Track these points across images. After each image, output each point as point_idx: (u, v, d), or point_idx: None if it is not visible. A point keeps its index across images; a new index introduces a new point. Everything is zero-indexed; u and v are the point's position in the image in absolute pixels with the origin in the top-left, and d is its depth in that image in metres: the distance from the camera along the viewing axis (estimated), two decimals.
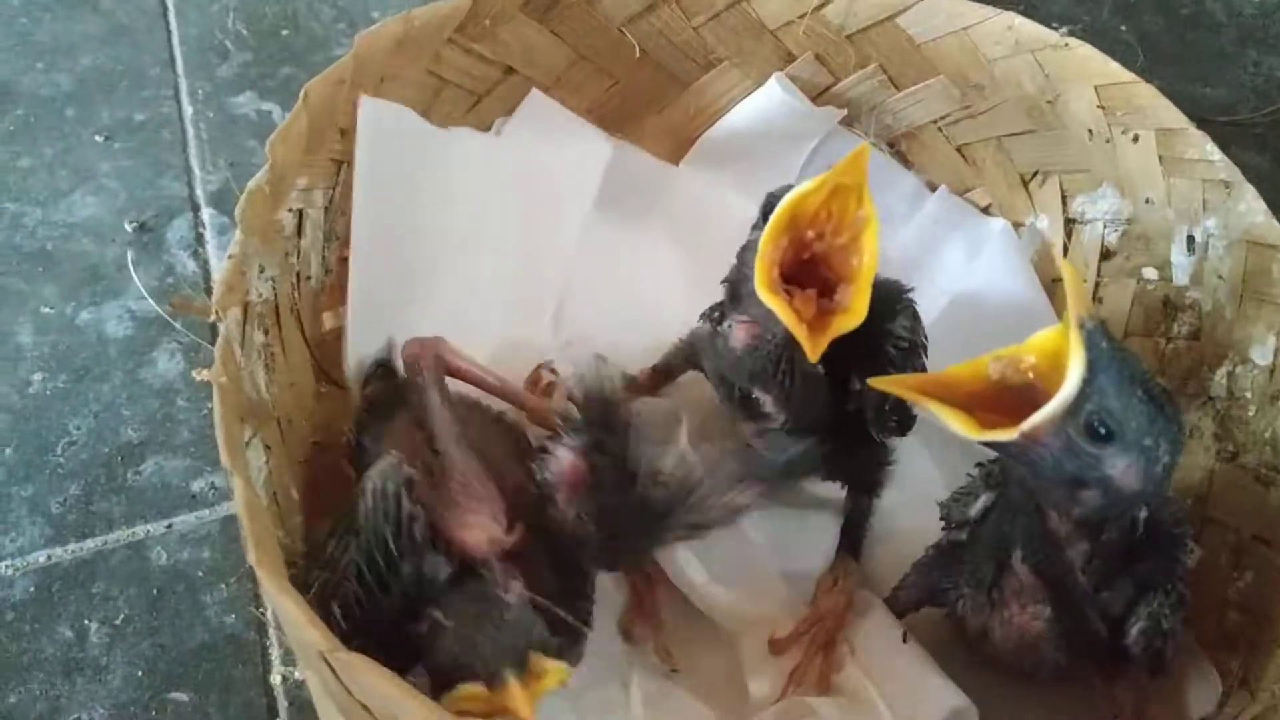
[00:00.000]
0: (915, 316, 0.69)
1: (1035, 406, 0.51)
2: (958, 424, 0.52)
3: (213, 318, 0.59)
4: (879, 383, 0.56)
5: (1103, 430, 0.51)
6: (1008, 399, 0.53)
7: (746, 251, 0.65)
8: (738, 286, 0.66)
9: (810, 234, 0.60)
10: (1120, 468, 0.52)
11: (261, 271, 0.65)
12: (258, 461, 0.61)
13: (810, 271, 0.61)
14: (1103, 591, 0.60)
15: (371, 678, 0.47)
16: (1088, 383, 0.50)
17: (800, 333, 0.58)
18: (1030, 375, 0.53)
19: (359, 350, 0.72)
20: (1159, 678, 0.63)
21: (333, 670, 0.50)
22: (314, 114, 0.68)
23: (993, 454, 0.61)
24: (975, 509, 0.64)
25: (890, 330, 0.66)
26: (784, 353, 0.63)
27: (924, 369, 0.68)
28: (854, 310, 0.59)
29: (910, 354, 0.67)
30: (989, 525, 0.63)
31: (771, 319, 0.59)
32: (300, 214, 0.69)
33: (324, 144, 0.70)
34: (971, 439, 0.52)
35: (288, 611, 0.50)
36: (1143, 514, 0.57)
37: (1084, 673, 0.65)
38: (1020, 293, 0.84)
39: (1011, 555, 0.60)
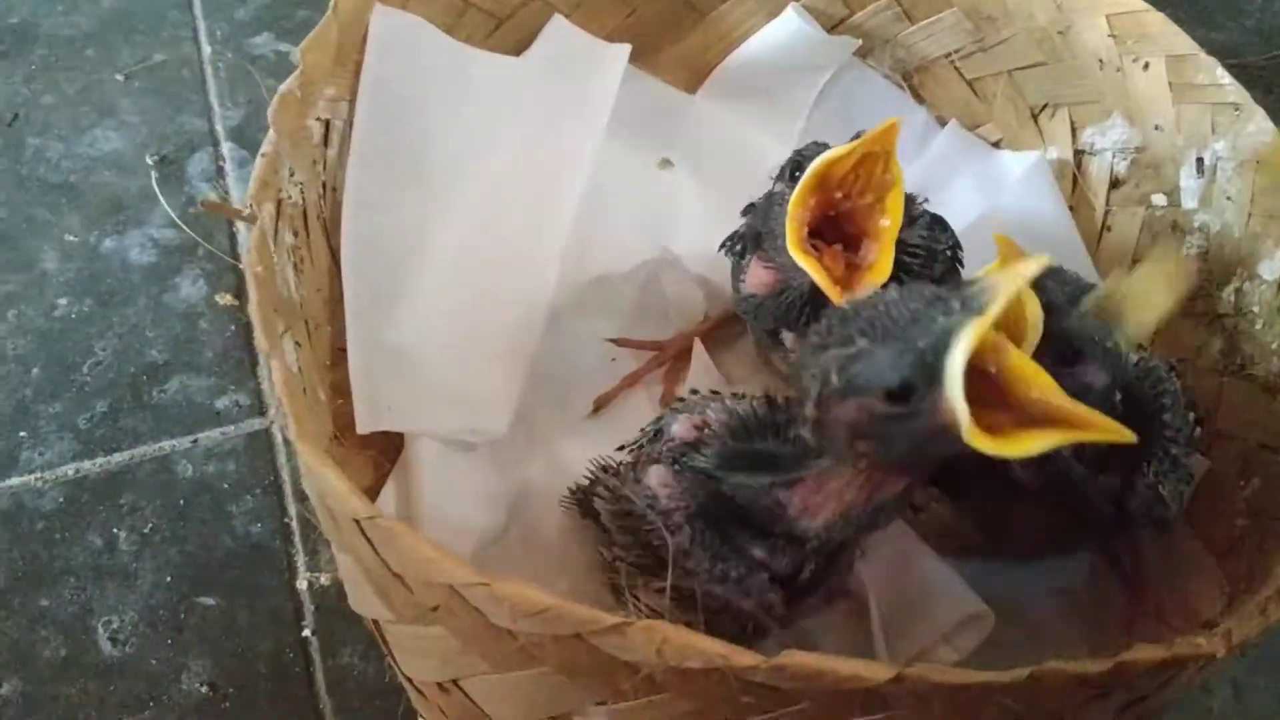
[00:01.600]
0: (933, 224, 0.70)
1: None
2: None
3: (246, 212, 0.60)
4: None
5: (1070, 352, 0.56)
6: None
7: (772, 203, 0.67)
8: (760, 231, 0.68)
9: (838, 194, 0.62)
10: (1091, 373, 0.57)
11: (292, 175, 0.66)
12: (290, 357, 0.62)
13: (834, 226, 0.63)
14: (1100, 475, 0.61)
15: (412, 541, 0.48)
16: (1045, 318, 0.53)
17: (833, 292, 0.60)
18: None
19: (356, 266, 0.69)
20: (1164, 535, 0.66)
21: (369, 541, 0.51)
22: (343, 24, 0.69)
23: None
24: None
25: (904, 240, 0.67)
26: (807, 300, 0.66)
27: (952, 273, 0.70)
28: (879, 267, 0.61)
29: (928, 261, 0.68)
30: None
31: (797, 271, 0.62)
32: (327, 124, 0.70)
33: (351, 56, 0.71)
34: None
35: (329, 483, 0.50)
36: (1117, 397, 0.59)
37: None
38: (1050, 222, 0.85)
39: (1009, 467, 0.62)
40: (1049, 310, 0.53)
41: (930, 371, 0.44)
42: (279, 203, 0.63)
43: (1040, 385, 0.47)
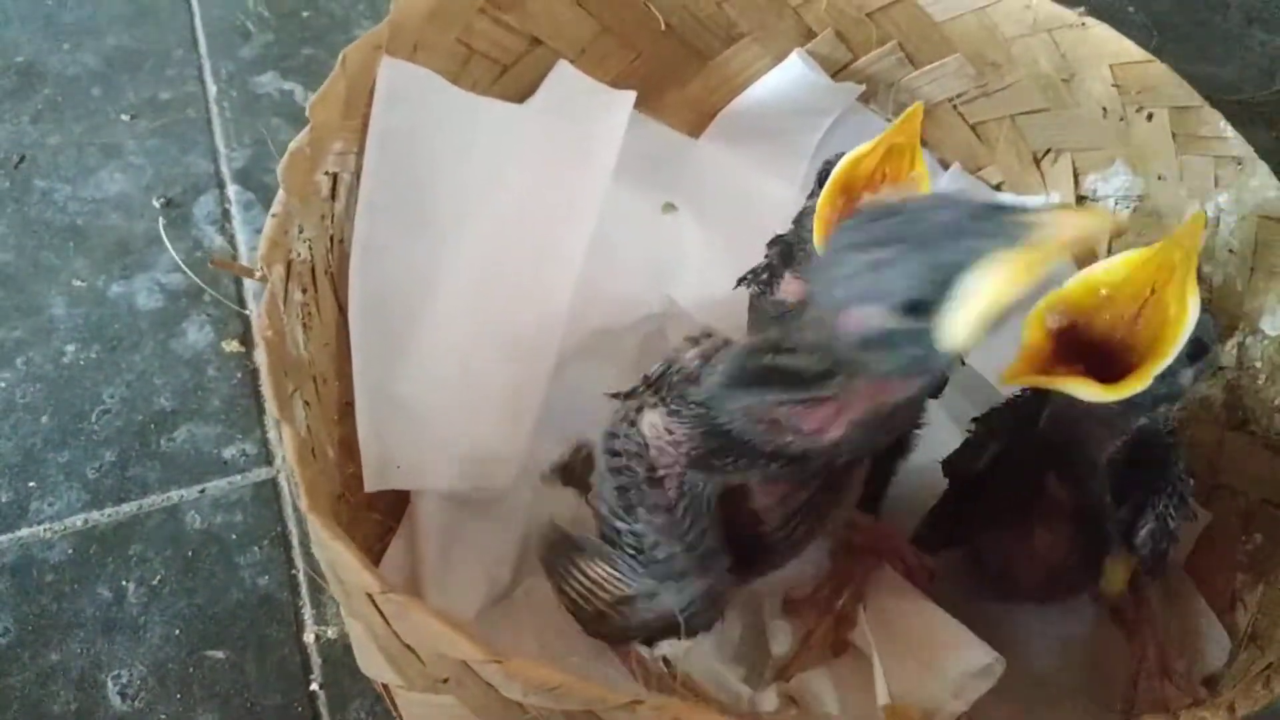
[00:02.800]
0: None
1: (1080, 342, 0.55)
2: (1093, 391, 0.53)
3: (258, 274, 0.60)
4: (1011, 377, 0.55)
5: (1194, 347, 0.54)
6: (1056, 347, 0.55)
7: (805, 216, 0.68)
8: (793, 248, 0.69)
9: (866, 195, 0.62)
10: (1189, 376, 0.56)
11: (301, 232, 0.66)
12: (299, 418, 0.62)
13: None
14: (1121, 505, 0.62)
15: (424, 616, 0.49)
16: None
17: None
18: (1072, 316, 0.56)
19: (363, 317, 0.69)
20: (1158, 578, 0.66)
21: (381, 614, 0.51)
22: (351, 78, 0.70)
23: (989, 407, 0.68)
24: (983, 462, 0.66)
25: None
26: None
27: None
28: None
29: None
30: (1001, 473, 0.65)
31: None
32: (335, 177, 0.70)
33: (359, 109, 0.71)
34: (1111, 398, 0.53)
35: (340, 556, 0.51)
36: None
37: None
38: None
39: (1044, 482, 0.63)
40: None
41: (944, 286, 0.42)
42: (289, 263, 0.63)
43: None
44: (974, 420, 0.69)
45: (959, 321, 0.42)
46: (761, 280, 0.72)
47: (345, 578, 0.52)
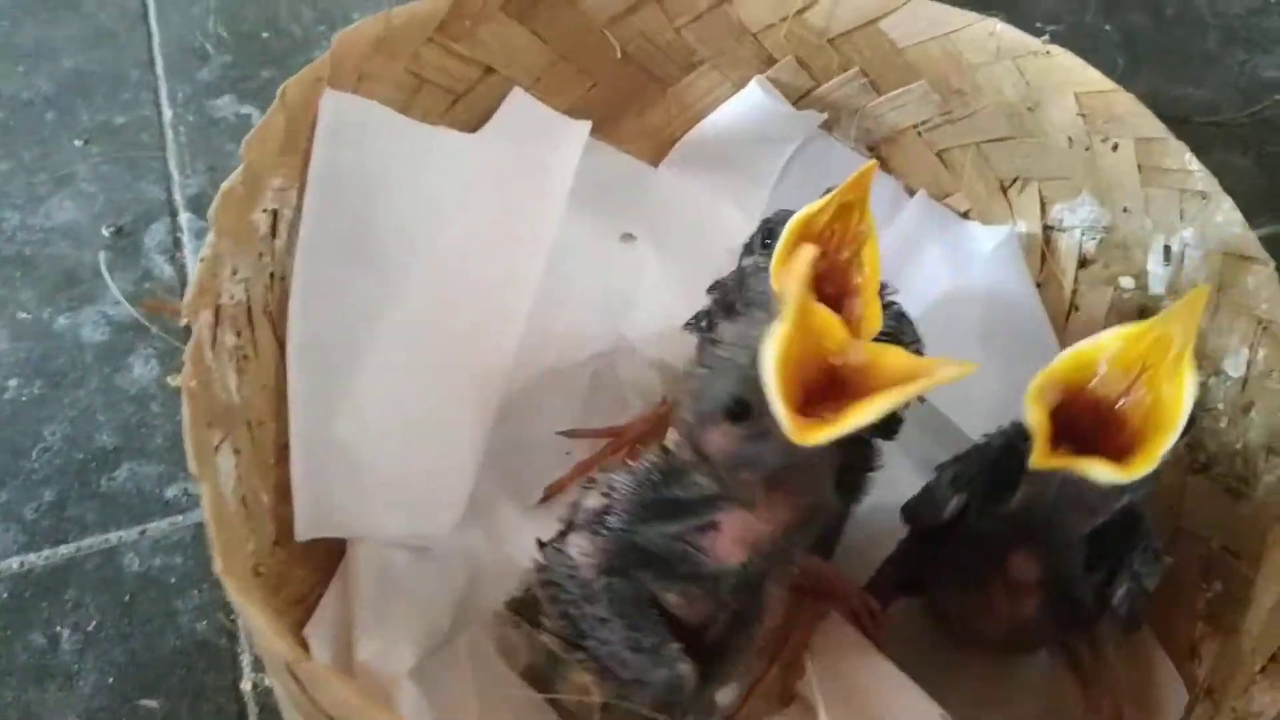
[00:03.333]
0: (899, 316, 0.69)
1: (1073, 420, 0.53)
2: (1106, 471, 0.51)
3: (183, 321, 0.58)
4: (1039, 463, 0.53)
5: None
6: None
7: (744, 274, 0.66)
8: (733, 301, 0.67)
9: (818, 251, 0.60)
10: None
11: (235, 273, 0.64)
12: (227, 466, 0.60)
13: (814, 286, 0.61)
14: (1094, 570, 0.61)
15: (336, 688, 0.47)
16: None
17: None
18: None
19: (302, 357, 0.68)
20: (1133, 634, 0.65)
21: (298, 681, 0.50)
22: (291, 113, 0.68)
23: (951, 455, 0.66)
24: (948, 511, 0.64)
25: None
26: None
27: None
28: (869, 318, 0.59)
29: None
30: (965, 525, 0.63)
31: None
32: (275, 214, 0.68)
33: (300, 144, 0.70)
34: (1126, 479, 0.51)
35: (255, 622, 0.49)
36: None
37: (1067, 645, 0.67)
38: (1017, 298, 0.84)
39: (1009, 552, 0.61)
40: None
41: (757, 386, 0.45)
42: (218, 309, 0.62)
43: (882, 358, 0.47)
44: (938, 468, 0.67)
45: (772, 404, 0.44)
46: (702, 327, 0.70)
47: (260, 643, 0.51)
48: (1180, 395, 0.51)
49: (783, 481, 0.50)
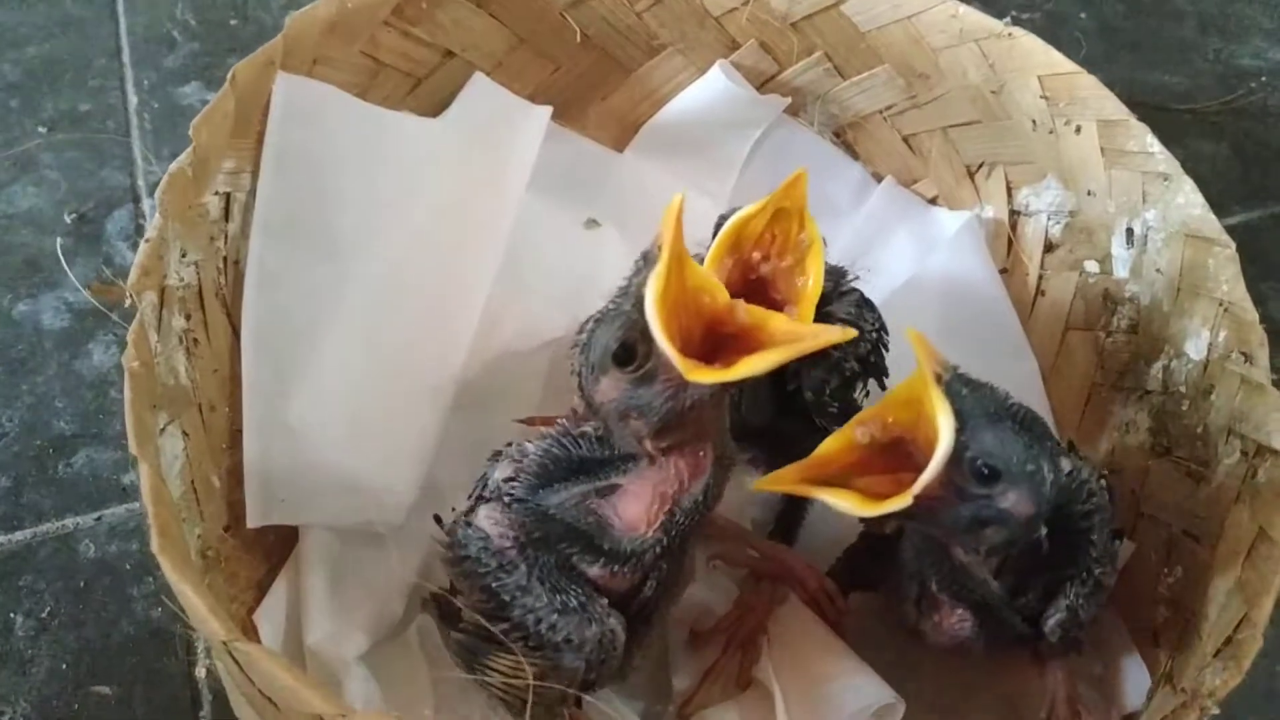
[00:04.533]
0: (861, 303, 0.68)
1: (910, 457, 0.52)
2: (849, 504, 0.51)
3: (127, 302, 0.58)
4: (762, 484, 0.54)
5: (986, 470, 0.52)
6: (881, 459, 0.53)
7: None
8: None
9: (756, 255, 0.60)
10: (1012, 499, 0.52)
11: (184, 256, 0.64)
12: (174, 449, 0.60)
13: (757, 292, 0.60)
14: (1019, 597, 0.60)
15: (270, 667, 0.47)
16: (960, 431, 0.50)
17: None
18: (896, 430, 0.53)
19: (256, 342, 0.67)
20: (1074, 656, 0.64)
21: (236, 661, 0.50)
22: (242, 96, 0.67)
23: None
24: (890, 527, 0.62)
25: (831, 313, 0.66)
26: None
27: (873, 355, 0.69)
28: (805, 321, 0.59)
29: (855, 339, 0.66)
30: (906, 545, 0.62)
31: None
32: (228, 198, 0.68)
33: (252, 127, 0.69)
34: (869, 514, 0.51)
35: (189, 601, 0.49)
36: (1043, 532, 0.56)
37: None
38: (979, 283, 0.83)
39: (928, 582, 0.61)
40: (963, 423, 0.51)
41: (642, 328, 0.48)
42: (163, 289, 0.61)
43: (766, 319, 0.49)
44: None
45: (655, 339, 0.47)
46: None
47: (196, 623, 0.50)
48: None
49: (673, 429, 0.51)
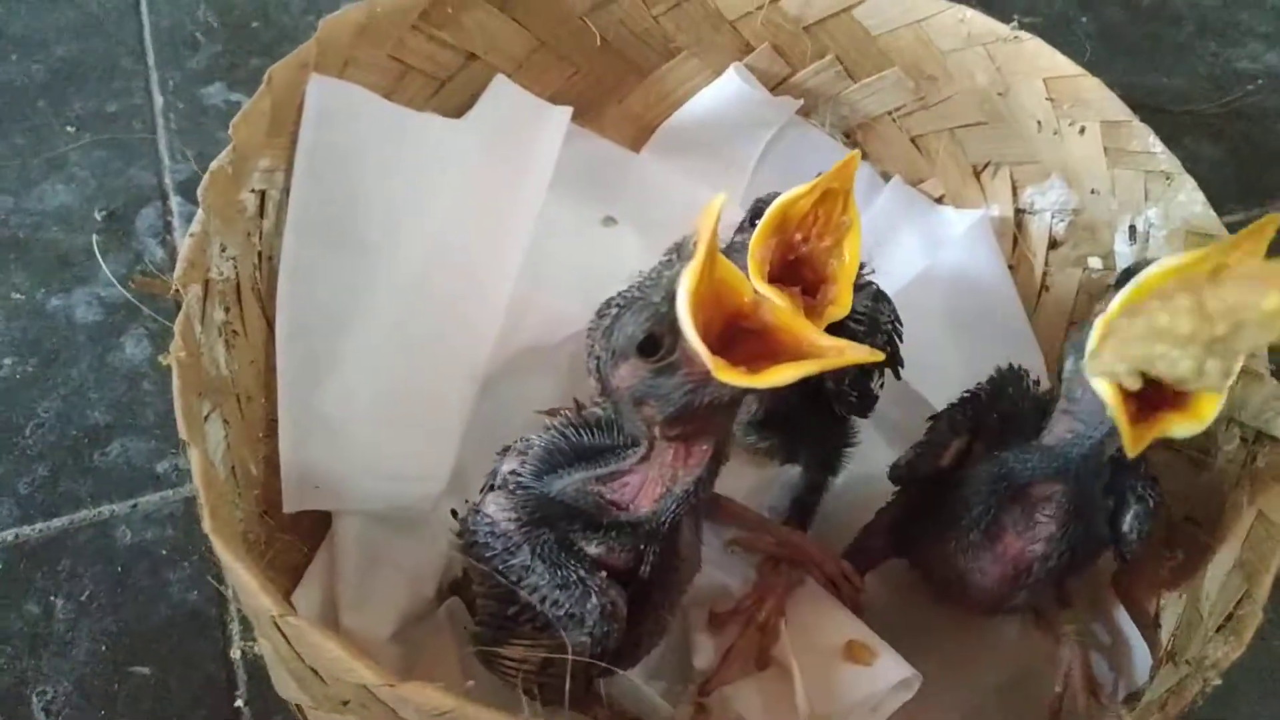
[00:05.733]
0: (877, 296, 0.71)
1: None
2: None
3: (171, 294, 0.60)
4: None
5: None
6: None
7: (733, 250, 0.67)
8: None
9: (798, 236, 0.62)
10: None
11: (223, 250, 0.66)
12: (216, 436, 0.62)
13: (793, 271, 0.63)
14: (1109, 496, 0.64)
15: (320, 639, 0.49)
16: None
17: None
18: None
19: (290, 335, 0.70)
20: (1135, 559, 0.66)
21: (284, 635, 0.52)
22: (277, 96, 0.70)
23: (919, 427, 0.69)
24: (948, 457, 0.67)
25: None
26: None
27: (888, 346, 0.71)
28: (840, 303, 0.61)
29: (871, 331, 0.68)
30: (971, 469, 0.65)
31: None
32: (263, 195, 0.70)
33: (286, 127, 0.71)
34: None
35: (241, 578, 0.51)
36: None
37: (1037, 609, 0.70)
38: (988, 279, 0.86)
39: (1028, 486, 0.63)
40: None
41: (670, 321, 0.48)
42: (207, 282, 0.64)
43: (791, 323, 0.49)
44: (931, 419, 0.69)
45: (685, 335, 0.47)
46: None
47: (246, 600, 0.52)
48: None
49: (684, 421, 0.53)
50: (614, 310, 0.52)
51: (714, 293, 0.49)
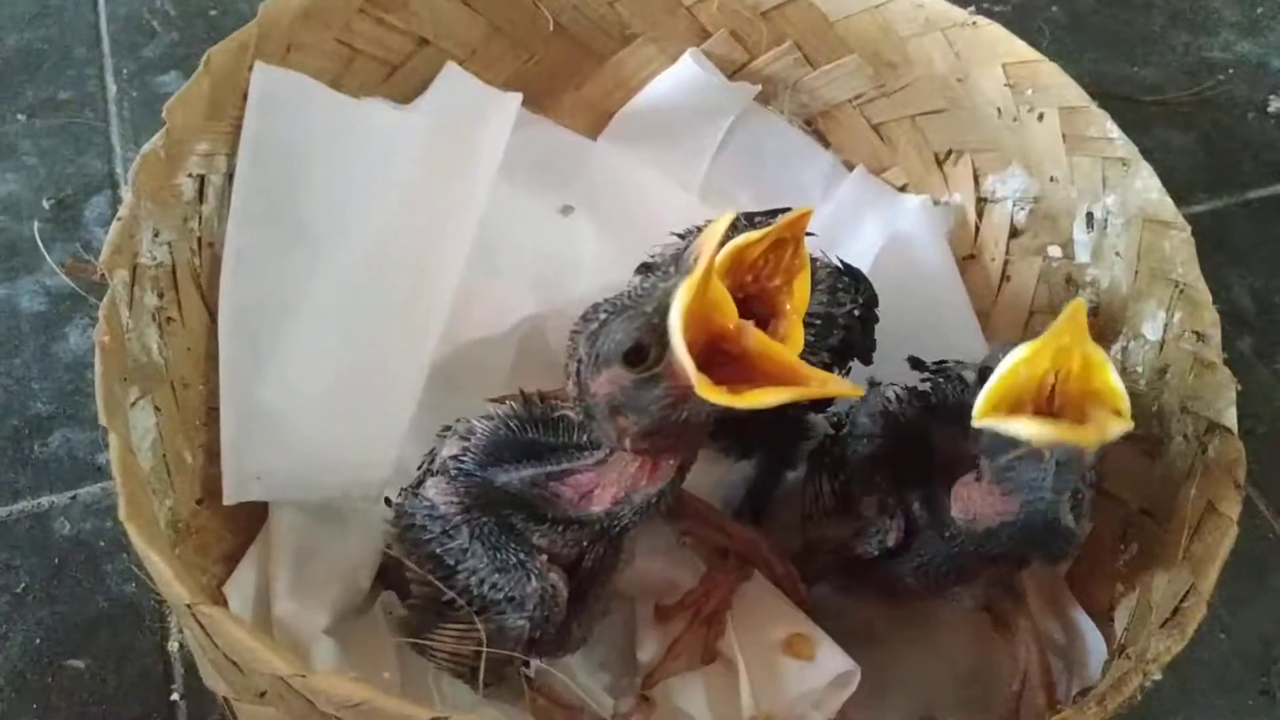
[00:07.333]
0: (834, 287, 0.69)
1: None
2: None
3: (97, 277, 0.59)
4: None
5: None
6: None
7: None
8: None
9: (749, 278, 0.61)
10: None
11: (156, 235, 0.65)
12: (146, 423, 0.61)
13: (743, 307, 0.61)
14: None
15: (232, 629, 0.48)
16: None
17: None
18: None
19: (233, 323, 0.69)
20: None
21: (200, 624, 0.50)
22: (216, 79, 0.69)
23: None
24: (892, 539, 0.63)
25: None
26: None
27: (845, 341, 0.69)
28: (793, 340, 0.59)
29: (826, 329, 0.67)
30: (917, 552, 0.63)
31: None
32: (202, 180, 0.69)
33: (227, 111, 0.70)
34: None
35: (156, 566, 0.50)
36: None
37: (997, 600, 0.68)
38: (932, 268, 0.84)
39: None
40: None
41: (659, 333, 0.48)
42: (135, 267, 0.62)
43: (770, 349, 0.49)
44: (871, 382, 0.68)
45: (674, 350, 0.47)
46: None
47: (163, 588, 0.51)
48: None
49: (657, 435, 0.51)
50: (602, 315, 0.51)
51: (704, 312, 0.49)
